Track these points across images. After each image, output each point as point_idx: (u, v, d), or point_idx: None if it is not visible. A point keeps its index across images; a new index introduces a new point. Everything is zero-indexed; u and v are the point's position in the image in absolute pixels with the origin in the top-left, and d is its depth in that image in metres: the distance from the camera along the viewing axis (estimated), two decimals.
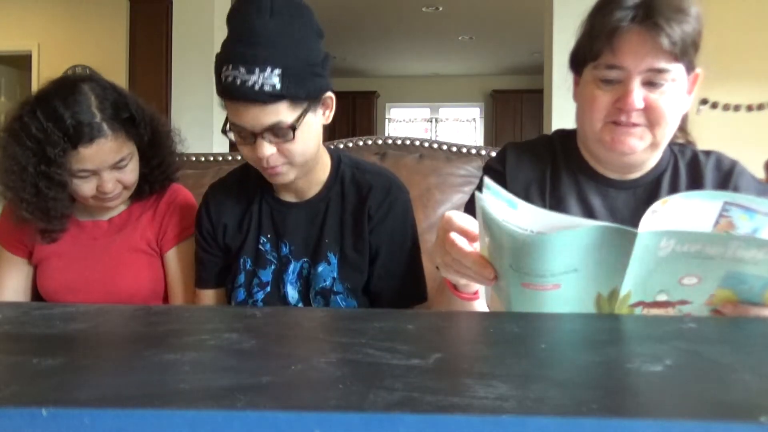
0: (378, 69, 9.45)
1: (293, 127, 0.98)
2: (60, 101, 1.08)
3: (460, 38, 7.62)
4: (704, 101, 5.66)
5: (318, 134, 1.06)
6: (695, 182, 0.97)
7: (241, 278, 1.13)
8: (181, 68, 4.69)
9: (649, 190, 0.97)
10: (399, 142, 1.68)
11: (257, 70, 0.94)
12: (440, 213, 1.49)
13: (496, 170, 1.04)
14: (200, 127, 3.94)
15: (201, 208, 1.19)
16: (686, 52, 0.86)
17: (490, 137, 9.54)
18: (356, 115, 9.67)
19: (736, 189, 0.95)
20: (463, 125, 10.29)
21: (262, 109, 0.97)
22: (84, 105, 1.08)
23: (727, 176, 0.97)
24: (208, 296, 1.21)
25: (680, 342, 0.51)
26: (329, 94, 1.06)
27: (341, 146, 1.65)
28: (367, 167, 1.17)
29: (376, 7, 6.40)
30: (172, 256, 1.26)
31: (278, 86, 0.95)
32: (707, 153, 1.01)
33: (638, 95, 0.87)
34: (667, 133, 0.90)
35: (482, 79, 9.67)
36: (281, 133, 0.99)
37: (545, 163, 1.02)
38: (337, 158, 1.17)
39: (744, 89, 5.61)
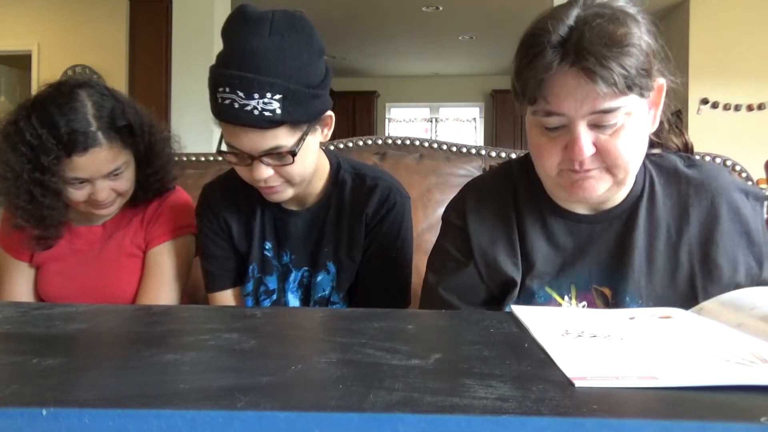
0: (378, 69, 9.44)
1: (293, 152, 0.96)
2: (56, 108, 1.06)
3: (460, 38, 7.62)
4: (704, 101, 5.66)
5: (316, 152, 1.04)
6: (679, 205, 0.86)
7: (249, 286, 1.12)
8: (181, 68, 4.69)
9: (624, 219, 0.86)
10: (399, 142, 1.68)
11: (256, 96, 0.90)
12: (440, 213, 1.49)
13: (456, 226, 0.93)
14: (200, 127, 3.93)
15: (200, 208, 1.15)
16: (634, 84, 0.74)
17: (490, 137, 9.54)
18: (356, 115, 9.67)
19: (717, 221, 0.84)
20: (463, 125, 10.29)
21: (261, 134, 0.93)
22: (80, 113, 1.07)
23: (711, 206, 0.85)
24: (226, 298, 1.15)
25: None
26: (329, 113, 1.02)
27: (341, 146, 1.65)
28: (367, 172, 1.13)
29: (376, 7, 6.40)
30: (154, 253, 1.23)
31: (278, 111, 0.91)
32: (691, 164, 0.89)
33: (586, 141, 0.76)
34: (631, 168, 0.80)
35: (482, 79, 9.66)
36: (280, 157, 0.97)
37: (508, 208, 0.91)
38: (336, 164, 1.14)
39: (744, 89, 5.61)
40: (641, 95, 0.76)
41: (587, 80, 0.73)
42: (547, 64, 0.75)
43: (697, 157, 0.93)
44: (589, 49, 0.72)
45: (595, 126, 0.77)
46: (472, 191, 0.96)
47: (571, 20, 0.75)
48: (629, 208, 0.86)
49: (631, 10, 0.77)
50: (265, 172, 0.98)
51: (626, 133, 0.77)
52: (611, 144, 0.77)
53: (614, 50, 0.72)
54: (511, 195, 0.92)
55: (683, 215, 0.85)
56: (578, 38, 0.73)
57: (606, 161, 0.78)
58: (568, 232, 0.88)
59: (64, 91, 1.09)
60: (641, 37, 0.75)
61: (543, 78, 0.75)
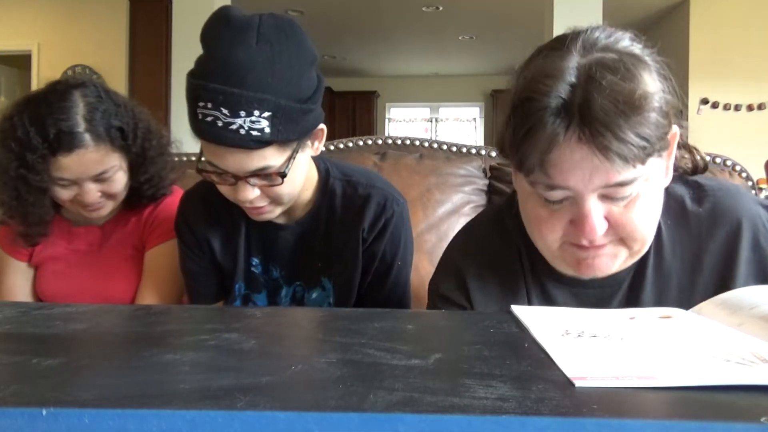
0: (378, 69, 9.44)
1: (282, 174, 0.88)
2: (47, 106, 1.05)
3: (460, 38, 7.62)
4: (704, 101, 5.66)
5: (306, 168, 0.97)
6: (690, 252, 0.75)
7: (237, 305, 1.07)
8: (181, 68, 4.68)
9: (631, 278, 0.77)
10: (399, 142, 1.67)
11: (243, 113, 0.81)
12: (440, 213, 1.49)
13: (459, 305, 0.79)
14: None
15: (178, 222, 1.09)
16: (654, 150, 0.63)
17: (490, 137, 9.53)
18: (356, 115, 9.67)
19: (734, 261, 0.74)
20: (463, 125, 10.29)
21: (247, 155, 0.85)
22: (70, 113, 1.06)
23: (727, 245, 0.75)
24: None
25: None
26: (321, 126, 0.95)
27: (341, 146, 1.65)
28: (359, 180, 1.05)
29: (376, 7, 6.40)
30: (151, 254, 1.22)
31: (267, 130, 0.83)
32: (701, 196, 0.77)
33: (598, 218, 0.65)
34: (648, 238, 0.70)
35: (482, 79, 9.66)
36: (268, 177, 0.89)
37: (517, 276, 0.78)
38: (324, 170, 1.05)
39: (744, 89, 5.61)
40: (659, 156, 0.66)
41: (600, 155, 0.61)
42: (549, 136, 0.62)
43: (709, 176, 0.83)
44: (602, 119, 0.60)
45: (607, 197, 0.66)
46: (469, 257, 0.81)
47: (571, 75, 0.63)
48: (637, 264, 0.76)
49: (637, 50, 0.67)
50: (251, 193, 0.90)
51: (642, 201, 0.66)
52: (626, 217, 0.67)
53: (632, 119, 0.60)
54: (516, 258, 0.79)
55: (695, 263, 0.75)
56: (585, 102, 0.61)
57: (620, 234, 0.68)
58: (571, 298, 0.77)
59: (59, 90, 1.09)
60: (661, 95, 0.64)
61: (544, 152, 0.63)
